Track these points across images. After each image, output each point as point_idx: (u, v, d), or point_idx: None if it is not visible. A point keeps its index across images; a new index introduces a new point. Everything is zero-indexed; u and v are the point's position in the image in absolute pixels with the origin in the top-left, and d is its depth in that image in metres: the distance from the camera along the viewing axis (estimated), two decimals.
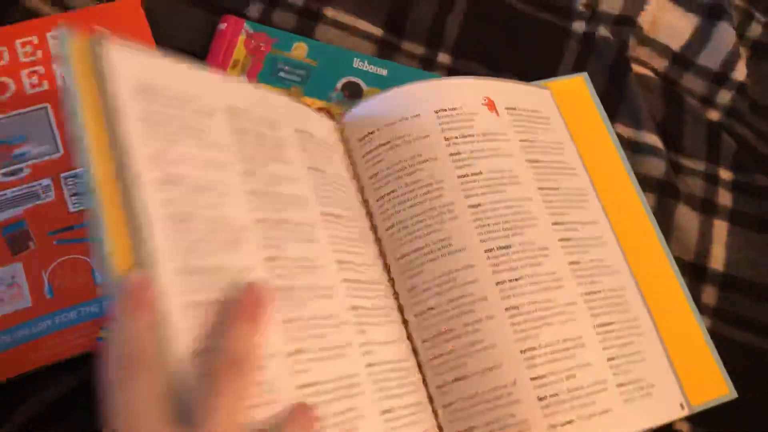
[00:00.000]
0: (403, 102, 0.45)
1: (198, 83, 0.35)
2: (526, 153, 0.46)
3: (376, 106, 0.45)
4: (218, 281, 0.32)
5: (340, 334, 0.36)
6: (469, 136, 0.44)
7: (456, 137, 0.44)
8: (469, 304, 0.41)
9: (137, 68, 0.33)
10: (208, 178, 0.33)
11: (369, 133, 0.45)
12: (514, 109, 0.47)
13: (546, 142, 0.47)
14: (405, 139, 0.44)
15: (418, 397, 0.40)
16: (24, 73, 0.51)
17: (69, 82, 0.31)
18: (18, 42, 0.52)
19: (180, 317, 0.30)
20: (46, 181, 0.49)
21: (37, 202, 0.48)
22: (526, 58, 0.56)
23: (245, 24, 0.54)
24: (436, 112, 0.45)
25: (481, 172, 0.44)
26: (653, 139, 0.55)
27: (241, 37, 0.54)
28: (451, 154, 0.44)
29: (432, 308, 0.41)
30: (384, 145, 0.44)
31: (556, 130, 0.49)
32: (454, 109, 0.45)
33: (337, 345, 0.36)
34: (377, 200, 0.44)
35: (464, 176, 0.43)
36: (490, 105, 0.47)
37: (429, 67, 0.56)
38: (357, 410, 0.35)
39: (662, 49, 0.60)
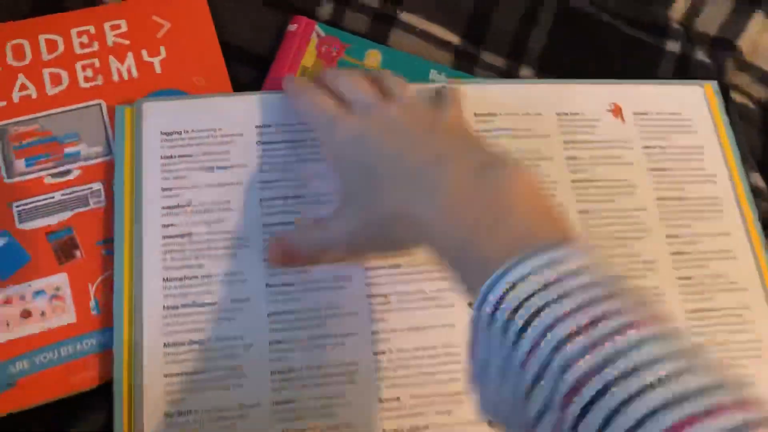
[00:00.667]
0: (524, 96, 0.46)
1: (221, 114, 0.44)
2: (651, 161, 0.46)
3: (494, 90, 0.47)
4: None
5: None
6: (589, 142, 0.46)
7: (575, 142, 0.46)
8: None
9: (164, 117, 0.44)
10: (217, 197, 0.42)
11: (490, 113, 0.45)
12: (645, 114, 0.47)
13: (681, 147, 0.47)
14: (526, 132, 0.45)
15: None
16: (79, 65, 0.48)
17: (117, 144, 0.43)
18: (74, 31, 0.49)
19: None
20: (96, 185, 0.46)
21: (86, 208, 0.45)
22: (614, 77, 0.52)
23: (316, 26, 0.50)
24: (558, 114, 0.46)
25: (595, 179, 0.45)
26: (756, 178, 0.51)
27: (312, 41, 0.50)
28: (568, 158, 0.45)
29: None
30: (504, 130, 0.45)
31: (700, 132, 0.47)
32: (576, 114, 0.46)
33: None
34: None
35: (577, 181, 0.45)
36: (616, 111, 0.47)
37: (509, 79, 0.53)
38: None
39: (762, 76, 0.55)
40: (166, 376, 0.40)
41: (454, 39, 0.54)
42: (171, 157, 0.43)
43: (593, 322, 0.25)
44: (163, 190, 0.43)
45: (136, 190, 0.42)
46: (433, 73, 0.52)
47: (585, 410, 0.24)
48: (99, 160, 0.46)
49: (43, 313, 0.43)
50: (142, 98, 0.45)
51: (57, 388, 0.42)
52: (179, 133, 0.44)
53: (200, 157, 0.44)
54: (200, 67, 0.49)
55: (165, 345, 0.41)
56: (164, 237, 0.42)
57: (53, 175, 0.46)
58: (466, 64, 0.53)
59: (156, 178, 0.43)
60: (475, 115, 0.46)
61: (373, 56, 0.51)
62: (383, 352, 0.41)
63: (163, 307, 0.41)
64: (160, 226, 0.42)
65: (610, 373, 0.24)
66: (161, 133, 0.44)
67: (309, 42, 0.50)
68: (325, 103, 0.41)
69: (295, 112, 0.43)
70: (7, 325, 0.42)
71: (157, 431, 0.39)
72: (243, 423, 0.39)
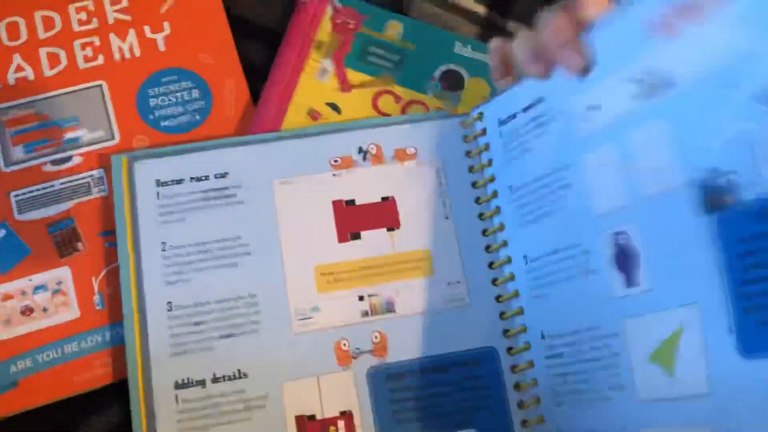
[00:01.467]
0: None
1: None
2: None
3: None
4: None
5: None
6: None
7: None
8: None
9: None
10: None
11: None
12: None
13: None
14: None
15: None
16: (77, 44, 0.46)
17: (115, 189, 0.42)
18: (72, 7, 0.47)
19: None
20: (98, 173, 0.44)
21: (88, 197, 0.43)
22: None
23: None
24: None
25: None
26: None
27: (327, 13, 0.47)
28: None
29: None
30: None
31: None
32: None
33: None
34: None
35: None
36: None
37: None
38: None
39: None
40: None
41: (480, 9, 0.50)
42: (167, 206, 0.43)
43: None
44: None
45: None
46: (458, 46, 0.48)
47: None
48: (101, 145, 0.44)
49: (45, 309, 0.41)
50: (138, 152, 0.44)
51: (61, 388, 0.41)
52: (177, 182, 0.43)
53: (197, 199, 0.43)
54: (207, 44, 0.46)
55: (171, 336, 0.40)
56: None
57: (53, 162, 0.44)
58: (492, 36, 0.49)
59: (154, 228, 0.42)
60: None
61: (394, 28, 0.48)
62: None
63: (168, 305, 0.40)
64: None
65: None
66: (156, 182, 0.43)
67: (323, 14, 0.47)
68: None
69: None
70: (8, 322, 0.41)
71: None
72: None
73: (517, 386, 0.40)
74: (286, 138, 0.44)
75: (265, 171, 0.43)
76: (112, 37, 0.46)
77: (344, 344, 0.40)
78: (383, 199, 0.43)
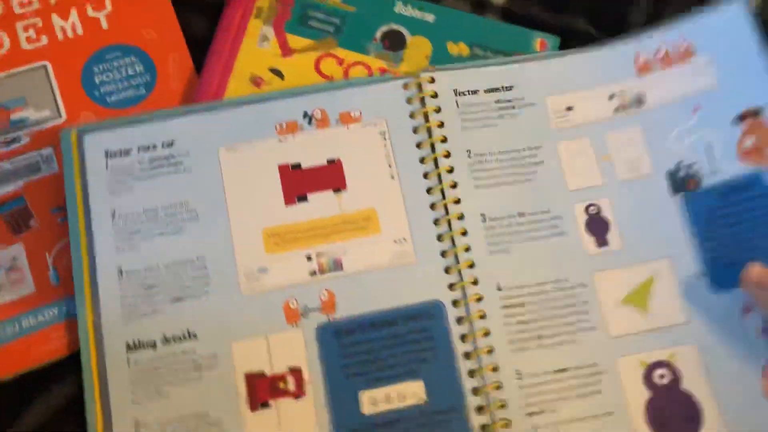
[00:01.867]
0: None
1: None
2: None
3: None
4: None
5: None
6: None
7: None
8: None
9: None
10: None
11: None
12: None
13: None
14: None
15: None
16: (20, 26, 0.47)
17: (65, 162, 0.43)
18: None
19: None
20: (47, 151, 0.45)
21: (38, 175, 0.44)
22: None
23: None
24: None
25: None
26: None
27: None
28: None
29: None
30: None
31: None
32: None
33: None
34: None
35: None
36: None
37: (481, 10, 0.50)
38: None
39: None
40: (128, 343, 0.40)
41: None
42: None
43: None
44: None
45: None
46: (398, 5, 0.49)
47: None
48: (48, 124, 0.45)
49: (2, 286, 0.42)
50: (86, 126, 0.44)
51: (20, 362, 0.42)
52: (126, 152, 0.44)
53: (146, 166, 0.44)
54: (149, 19, 0.47)
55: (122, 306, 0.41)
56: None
57: (1, 143, 0.44)
58: None
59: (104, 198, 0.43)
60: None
61: None
62: None
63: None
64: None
65: None
66: (105, 153, 0.44)
67: None
68: None
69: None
70: None
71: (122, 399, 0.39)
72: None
73: (463, 337, 0.41)
74: (230, 105, 0.45)
75: (211, 138, 0.44)
76: (55, 17, 0.47)
77: (293, 303, 0.41)
78: (329, 161, 0.44)
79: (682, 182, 0.42)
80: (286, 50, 0.47)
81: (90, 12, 0.47)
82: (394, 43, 0.48)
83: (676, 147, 0.43)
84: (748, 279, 0.38)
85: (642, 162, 0.43)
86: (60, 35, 0.47)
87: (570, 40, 0.49)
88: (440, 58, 0.48)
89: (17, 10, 0.47)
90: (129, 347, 0.40)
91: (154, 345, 0.40)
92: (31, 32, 0.46)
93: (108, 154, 0.44)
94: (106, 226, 0.42)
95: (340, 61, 0.47)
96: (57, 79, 0.46)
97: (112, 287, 0.41)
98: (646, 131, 0.44)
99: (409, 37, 0.48)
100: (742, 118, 0.42)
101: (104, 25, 0.47)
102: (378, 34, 0.48)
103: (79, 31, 0.47)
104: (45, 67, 0.46)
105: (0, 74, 0.45)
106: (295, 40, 0.48)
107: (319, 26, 0.48)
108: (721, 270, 0.40)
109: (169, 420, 0.39)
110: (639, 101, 0.44)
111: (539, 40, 0.49)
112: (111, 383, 0.40)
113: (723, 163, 0.42)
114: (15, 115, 0.45)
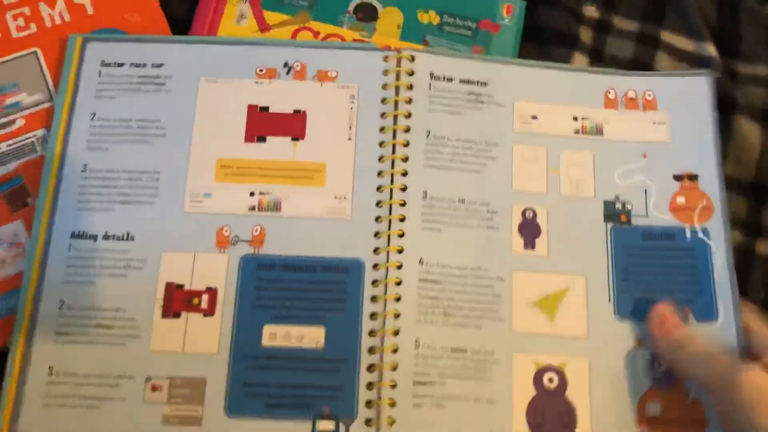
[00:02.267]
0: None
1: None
2: None
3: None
4: None
5: None
6: None
7: None
8: None
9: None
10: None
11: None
12: None
13: None
14: None
15: None
16: (9, 15, 0.49)
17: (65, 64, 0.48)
18: None
19: None
20: (41, 132, 0.47)
21: (34, 156, 0.47)
22: None
23: None
24: None
25: None
26: (710, 50, 0.51)
27: None
28: None
29: None
30: None
31: None
32: None
33: None
34: None
35: None
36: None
37: None
38: None
39: None
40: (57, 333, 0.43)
41: None
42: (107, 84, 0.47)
43: None
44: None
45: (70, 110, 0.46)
46: None
47: None
48: (41, 107, 0.48)
49: (3, 261, 0.45)
50: (91, 36, 0.48)
51: None
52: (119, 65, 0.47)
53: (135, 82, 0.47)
54: (132, 3, 0.50)
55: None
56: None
57: None
58: None
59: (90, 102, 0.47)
60: None
61: None
62: None
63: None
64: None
65: None
66: (101, 62, 0.47)
67: None
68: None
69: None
70: None
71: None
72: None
73: (373, 298, 0.43)
74: (221, 43, 0.49)
75: (196, 68, 0.48)
76: (42, 5, 0.49)
77: (226, 230, 0.44)
78: (295, 111, 0.47)
79: (615, 214, 0.45)
80: (264, 26, 0.50)
81: None
82: (367, 14, 0.51)
83: (619, 181, 0.46)
84: (653, 313, 0.41)
85: (586, 184, 0.46)
86: (48, 22, 0.49)
87: (536, 5, 0.51)
88: (411, 27, 0.50)
89: (6, 0, 0.49)
90: (73, 235, 0.44)
91: (95, 238, 0.44)
92: (21, 21, 0.48)
93: (103, 63, 0.48)
94: (84, 125, 0.46)
95: (316, 34, 0.50)
96: (47, 64, 0.48)
97: (74, 179, 0.45)
98: (596, 158, 0.46)
99: (380, 8, 0.51)
100: (680, 178, 0.45)
101: (89, 10, 0.50)
102: (350, 7, 0.51)
103: (66, 17, 0.50)
104: (35, 53, 0.48)
105: None
106: (271, 16, 0.51)
107: (293, 1, 0.51)
108: (627, 301, 0.43)
109: (91, 307, 0.43)
110: (598, 130, 0.47)
111: (506, 5, 0.51)
112: (50, 262, 0.44)
113: (654, 210, 0.45)
114: (9, 100, 0.47)
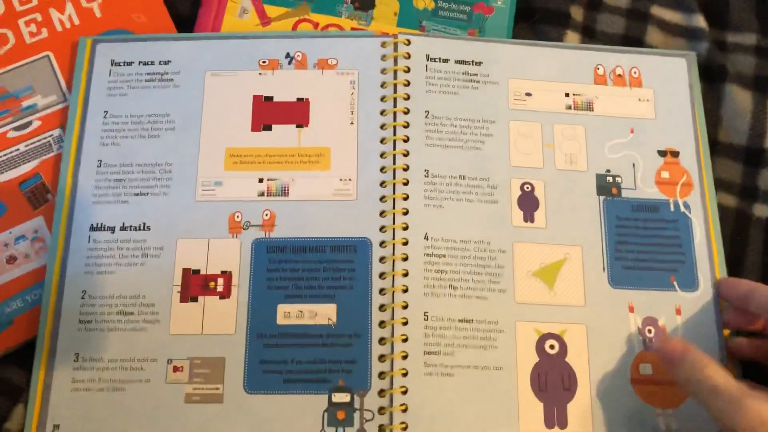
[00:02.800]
0: None
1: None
2: None
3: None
4: None
5: None
6: None
7: None
8: None
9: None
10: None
11: None
12: None
13: None
14: None
15: None
16: (21, 22, 0.51)
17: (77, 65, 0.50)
18: None
19: None
20: (56, 132, 0.49)
21: (51, 154, 0.49)
22: None
23: None
24: None
25: None
26: (700, 21, 0.52)
27: None
28: None
29: None
30: None
31: None
32: None
33: None
34: None
35: None
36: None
37: None
38: None
39: None
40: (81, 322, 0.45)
41: None
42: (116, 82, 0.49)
43: None
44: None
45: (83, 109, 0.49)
46: None
47: None
48: (55, 108, 0.50)
49: (27, 256, 0.47)
50: (100, 38, 0.50)
51: None
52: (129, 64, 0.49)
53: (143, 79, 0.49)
54: (138, 4, 0.52)
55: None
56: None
57: (15, 129, 0.49)
58: None
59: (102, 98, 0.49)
60: None
61: None
62: None
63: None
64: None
65: None
66: (111, 61, 0.49)
67: None
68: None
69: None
70: None
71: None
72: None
73: (382, 275, 0.44)
74: (224, 38, 0.51)
75: (202, 63, 0.49)
76: (52, 11, 0.51)
77: (237, 216, 0.46)
78: (298, 99, 0.49)
79: (606, 187, 0.47)
80: (265, 19, 0.52)
81: (84, 3, 0.52)
82: (364, 3, 0.52)
83: (609, 155, 0.48)
84: (661, 350, 0.41)
85: (579, 158, 0.48)
86: (59, 27, 0.51)
87: None
88: (407, 14, 0.52)
89: (18, 8, 0.51)
90: (92, 227, 0.46)
91: (113, 229, 0.46)
92: (33, 27, 0.51)
93: (113, 63, 0.50)
94: (97, 123, 0.48)
95: (315, 25, 0.52)
96: (60, 67, 0.50)
97: (90, 174, 0.47)
98: (588, 133, 0.48)
99: None
100: (663, 153, 0.48)
101: (98, 13, 0.52)
102: None
103: (76, 21, 0.52)
104: (48, 56, 0.50)
105: (8, 67, 0.50)
106: (271, 10, 0.52)
107: None
108: (620, 270, 0.45)
109: (112, 295, 0.45)
110: (589, 106, 0.48)
111: None
112: (70, 254, 0.46)
113: (642, 184, 0.47)
114: (25, 103, 0.49)
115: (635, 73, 0.50)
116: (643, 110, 0.49)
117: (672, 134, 0.48)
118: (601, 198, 0.47)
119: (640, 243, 0.46)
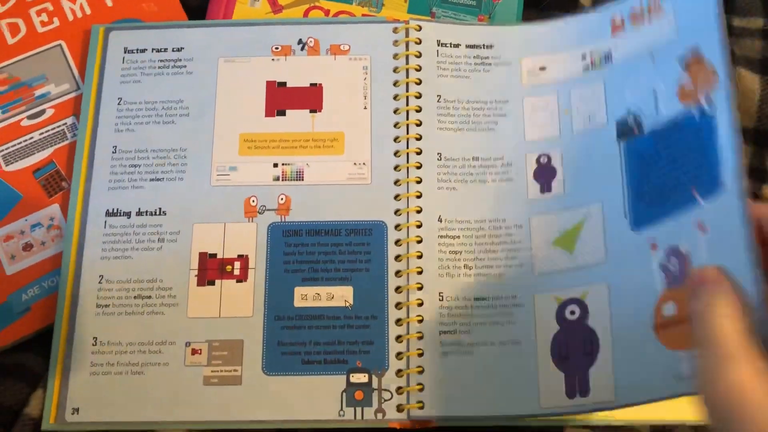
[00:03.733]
0: None
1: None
2: None
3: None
4: None
5: None
6: None
7: None
8: None
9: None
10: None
11: None
12: None
13: None
14: None
15: None
16: (33, 11, 0.52)
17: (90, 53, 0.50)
18: None
19: None
20: (70, 120, 0.50)
21: (65, 142, 0.49)
22: None
23: None
24: None
25: None
26: None
27: None
28: None
29: None
30: None
31: None
32: None
33: None
34: None
35: None
36: None
37: None
38: None
39: None
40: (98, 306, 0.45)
41: None
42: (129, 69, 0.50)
43: None
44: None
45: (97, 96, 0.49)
46: None
47: None
48: (68, 96, 0.50)
49: (43, 243, 0.47)
50: (113, 26, 0.51)
51: None
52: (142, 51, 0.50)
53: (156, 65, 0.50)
54: None
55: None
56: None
57: (29, 117, 0.50)
58: None
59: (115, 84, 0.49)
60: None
61: None
62: None
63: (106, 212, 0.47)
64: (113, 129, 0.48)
65: None
66: (124, 49, 0.50)
67: None
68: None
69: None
70: (12, 258, 0.47)
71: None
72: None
73: (397, 257, 0.45)
74: (238, 25, 0.51)
75: (215, 50, 0.50)
76: (63, 1, 0.52)
77: (253, 200, 0.47)
78: (312, 84, 0.49)
79: (628, 129, 0.43)
80: (276, 7, 0.53)
81: None
82: None
83: (630, 97, 0.44)
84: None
85: (598, 114, 0.45)
86: (70, 16, 0.51)
87: None
88: (418, 0, 0.53)
89: None
90: (108, 213, 0.47)
91: (129, 214, 0.47)
92: (44, 16, 0.51)
93: (126, 50, 0.50)
94: (111, 109, 0.49)
95: (326, 12, 0.52)
96: (72, 55, 0.50)
97: (105, 160, 0.48)
98: (607, 86, 0.45)
99: None
100: (686, 63, 0.41)
101: (109, 2, 0.52)
102: None
103: (87, 10, 0.52)
104: (60, 45, 0.51)
105: (21, 56, 0.50)
106: None
107: None
108: (641, 209, 0.41)
109: (129, 279, 0.45)
110: (607, 58, 0.46)
111: None
112: (87, 240, 0.46)
113: (663, 107, 0.42)
114: (38, 92, 0.50)
115: (654, 2, 0.44)
116: (665, 33, 0.43)
117: (696, 41, 0.40)
118: (622, 144, 0.43)
119: (661, 171, 0.41)
